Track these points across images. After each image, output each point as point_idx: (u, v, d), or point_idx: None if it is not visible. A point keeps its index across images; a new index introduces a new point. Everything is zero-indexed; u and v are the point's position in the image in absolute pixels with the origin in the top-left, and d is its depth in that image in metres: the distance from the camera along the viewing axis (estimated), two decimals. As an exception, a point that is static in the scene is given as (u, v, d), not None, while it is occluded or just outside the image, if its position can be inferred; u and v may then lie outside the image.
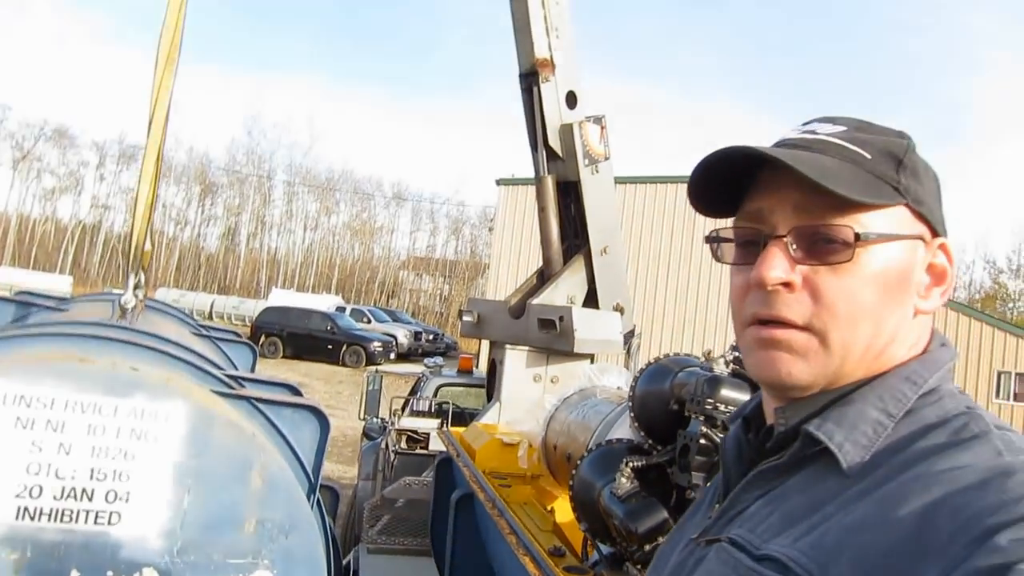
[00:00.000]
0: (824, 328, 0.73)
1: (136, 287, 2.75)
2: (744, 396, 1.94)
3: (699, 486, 1.88)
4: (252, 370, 3.91)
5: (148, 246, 2.83)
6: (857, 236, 0.73)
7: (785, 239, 0.75)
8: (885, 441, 0.71)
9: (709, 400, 1.91)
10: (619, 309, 5.64)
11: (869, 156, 0.76)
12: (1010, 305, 41.20)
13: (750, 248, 0.78)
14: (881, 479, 0.68)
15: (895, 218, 0.75)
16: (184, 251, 55.87)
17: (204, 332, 3.91)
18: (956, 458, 0.66)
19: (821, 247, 0.74)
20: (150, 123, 2.78)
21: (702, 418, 1.92)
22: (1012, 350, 20.77)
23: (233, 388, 2.28)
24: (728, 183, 0.80)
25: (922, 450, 0.68)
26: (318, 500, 2.39)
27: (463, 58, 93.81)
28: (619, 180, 5.72)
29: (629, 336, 5.78)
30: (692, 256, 21.27)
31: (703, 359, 2.35)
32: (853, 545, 0.64)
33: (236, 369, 3.39)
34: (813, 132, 0.79)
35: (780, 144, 0.80)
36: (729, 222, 0.84)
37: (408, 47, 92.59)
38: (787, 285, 0.74)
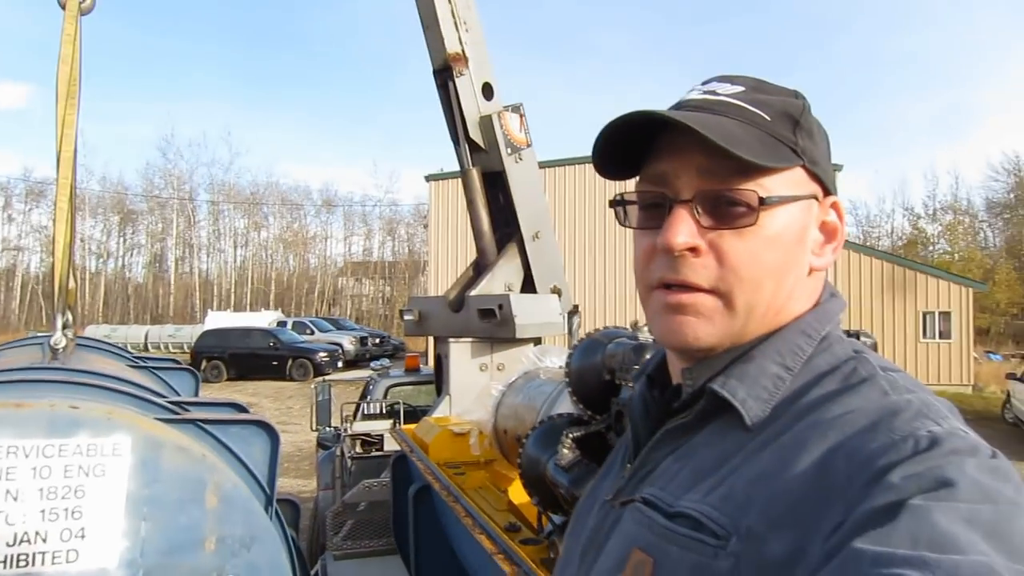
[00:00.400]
0: (730, 291, 0.75)
1: (64, 326, 2.73)
2: (668, 359, 2.07)
3: (635, 447, 2.00)
4: (195, 395, 3.89)
5: (72, 283, 2.81)
6: (761, 200, 0.74)
7: (691, 203, 0.75)
8: (784, 393, 0.74)
9: (635, 367, 2.03)
10: (557, 291, 5.75)
11: (768, 118, 0.77)
12: (930, 248, 43.09)
13: (655, 211, 0.78)
14: (781, 428, 0.70)
15: (793, 179, 0.77)
16: (110, 284, 53.90)
17: (141, 363, 3.87)
18: (847, 402, 0.69)
19: (726, 211, 0.74)
20: (58, 159, 2.74)
21: (631, 384, 2.03)
22: (934, 291, 21.81)
23: (177, 413, 2.31)
24: (632, 147, 0.79)
25: (817, 397, 0.71)
26: (276, 511, 2.44)
27: (380, 56, 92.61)
28: (545, 164, 5.84)
29: (571, 316, 5.91)
30: (625, 231, 21.63)
31: (630, 329, 2.48)
32: (760, 495, 0.66)
33: (179, 396, 3.38)
34: (714, 93, 0.79)
35: (681, 106, 0.80)
36: (633, 185, 0.83)
37: (321, 49, 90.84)
38: (693, 250, 0.74)
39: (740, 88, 0.79)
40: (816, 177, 0.79)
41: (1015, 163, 43.47)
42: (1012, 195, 43.25)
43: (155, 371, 3.77)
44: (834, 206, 0.82)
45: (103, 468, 2.00)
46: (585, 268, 21.45)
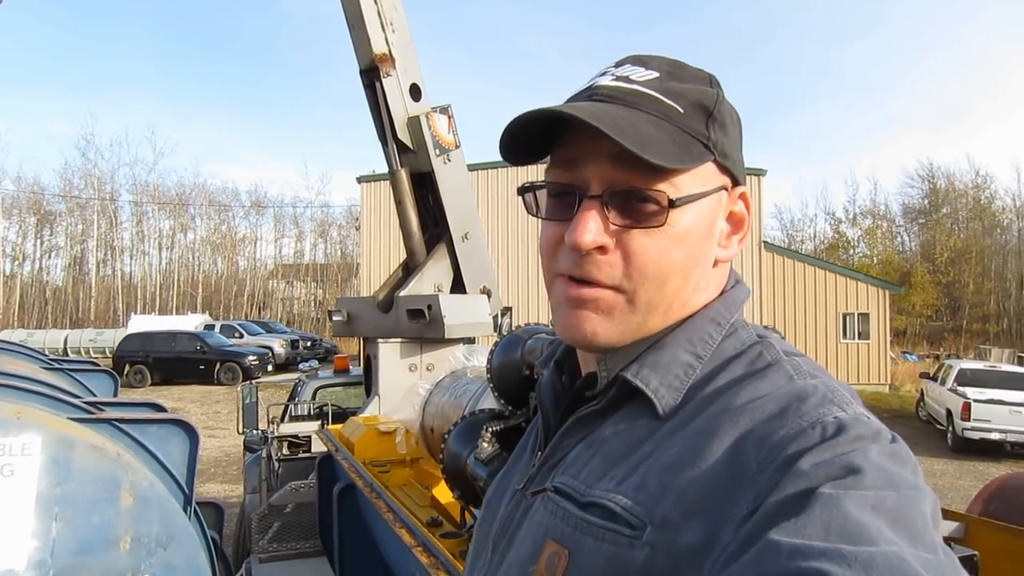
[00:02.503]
0: (633, 289, 0.74)
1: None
2: (583, 353, 2.16)
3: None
4: (114, 397, 3.80)
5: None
6: (672, 201, 0.73)
7: (600, 199, 0.73)
8: (694, 379, 0.74)
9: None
10: (486, 292, 5.80)
11: (682, 111, 0.75)
12: (850, 251, 44.78)
13: (564, 201, 0.76)
14: (690, 414, 0.71)
15: (703, 175, 0.76)
16: (25, 288, 51.27)
17: (57, 365, 3.75)
18: (755, 388, 0.69)
19: (636, 209, 0.73)
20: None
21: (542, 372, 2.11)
22: (854, 293, 22.77)
23: (92, 413, 2.27)
24: (542, 131, 0.77)
25: (725, 383, 0.72)
26: (196, 511, 2.42)
27: (310, 56, 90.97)
28: (475, 167, 5.88)
29: (503, 315, 5.97)
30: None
31: (550, 325, 2.56)
32: (673, 484, 0.66)
33: (95, 397, 3.30)
34: (627, 80, 0.76)
35: (593, 93, 0.77)
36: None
37: (249, 47, 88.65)
38: (601, 248, 0.73)
39: (654, 74, 0.77)
40: (726, 169, 0.78)
41: (928, 170, 45.76)
42: (926, 201, 45.46)
43: (71, 373, 3.66)
44: (742, 196, 0.81)
45: (12, 468, 1.95)
46: (517, 270, 21.62)
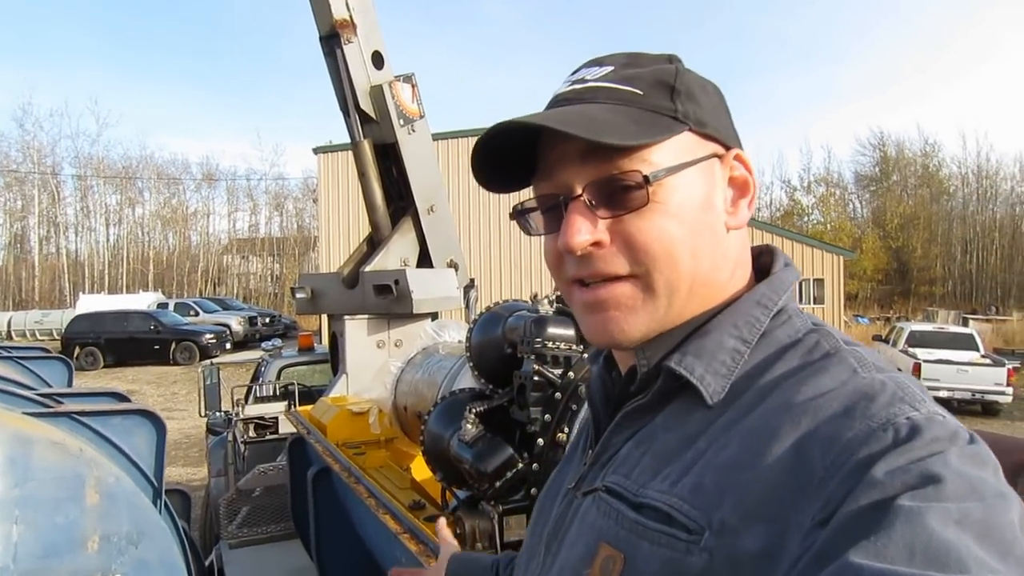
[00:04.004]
0: (647, 272, 0.73)
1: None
2: (568, 331, 2.10)
3: (537, 419, 2.02)
4: (69, 385, 3.63)
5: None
6: (646, 178, 0.71)
7: (582, 198, 0.73)
8: (743, 368, 0.71)
9: (538, 340, 2.04)
10: (453, 265, 5.72)
11: (641, 92, 0.74)
12: (805, 218, 45.67)
13: (554, 213, 0.77)
14: (745, 408, 0.68)
15: (682, 146, 0.74)
16: (-37, 268, 49.32)
17: (5, 353, 3.56)
18: (817, 383, 0.66)
19: (617, 196, 0.72)
20: None
21: (533, 357, 2.04)
22: (809, 259, 23.33)
23: (49, 407, 2.13)
24: (517, 156, 0.78)
25: (782, 374, 0.69)
26: (166, 504, 2.31)
27: (263, 24, 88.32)
28: (437, 136, 5.75)
29: (467, 290, 5.90)
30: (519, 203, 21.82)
31: (531, 302, 2.49)
32: (732, 486, 0.63)
33: (50, 387, 3.13)
34: (583, 80, 0.77)
35: (553, 102, 0.78)
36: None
37: (198, 15, 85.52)
38: (597, 244, 0.73)
39: (609, 69, 0.77)
40: (709, 136, 0.76)
41: (880, 139, 46.73)
42: (877, 169, 46.48)
43: (21, 361, 3.48)
44: (738, 158, 0.79)
45: (-36, 470, 1.83)
46: (480, 242, 21.49)
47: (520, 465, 2.03)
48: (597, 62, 0.79)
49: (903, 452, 0.58)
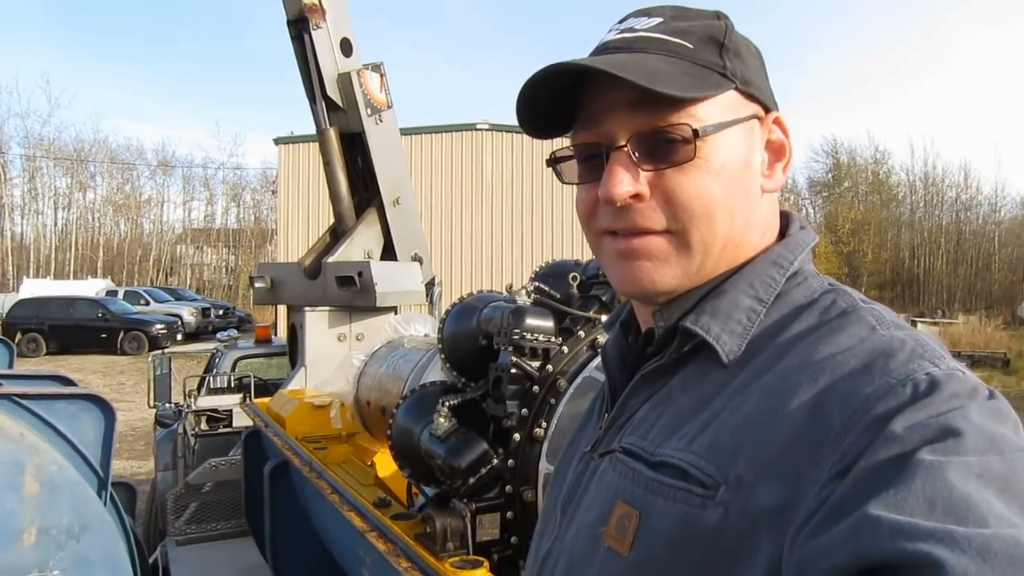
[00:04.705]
0: (684, 229, 0.72)
1: None
2: (547, 323, 2.02)
3: (514, 413, 1.94)
4: (10, 367, 3.43)
5: None
6: (696, 132, 0.70)
7: (626, 148, 0.72)
8: (759, 327, 0.71)
9: (516, 331, 1.96)
10: (418, 259, 5.63)
11: (691, 46, 0.73)
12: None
13: (593, 162, 0.75)
14: (762, 367, 0.67)
15: (727, 104, 0.74)
16: (-101, 247, 47.11)
17: (-61, 333, 3.34)
18: (835, 341, 0.65)
19: (663, 149, 0.71)
20: None
21: (511, 348, 1.96)
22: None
23: (-13, 388, 1.97)
24: (557, 101, 0.76)
25: (798, 333, 0.69)
26: (112, 495, 2.17)
27: (227, 6, 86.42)
28: (403, 131, 5.64)
29: (430, 285, 5.81)
30: (483, 200, 21.75)
31: (506, 293, 2.41)
32: (748, 443, 0.63)
33: (-12, 369, 2.94)
34: (632, 29, 0.76)
35: (601, 49, 0.77)
36: (566, 141, 0.81)
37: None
38: (637, 196, 0.72)
39: (658, 20, 0.75)
40: (752, 97, 0.76)
41: (832, 146, 47.83)
42: (830, 175, 47.58)
43: (-44, 343, 3.27)
44: (777, 122, 0.78)
45: None
46: (442, 239, 21.30)
47: (495, 461, 1.95)
48: (645, 12, 0.78)
49: (923, 407, 0.57)
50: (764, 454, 0.62)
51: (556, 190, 22.07)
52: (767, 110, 0.78)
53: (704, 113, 0.71)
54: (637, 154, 0.72)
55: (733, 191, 0.73)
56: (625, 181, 0.71)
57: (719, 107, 0.73)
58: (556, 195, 22.03)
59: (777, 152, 0.78)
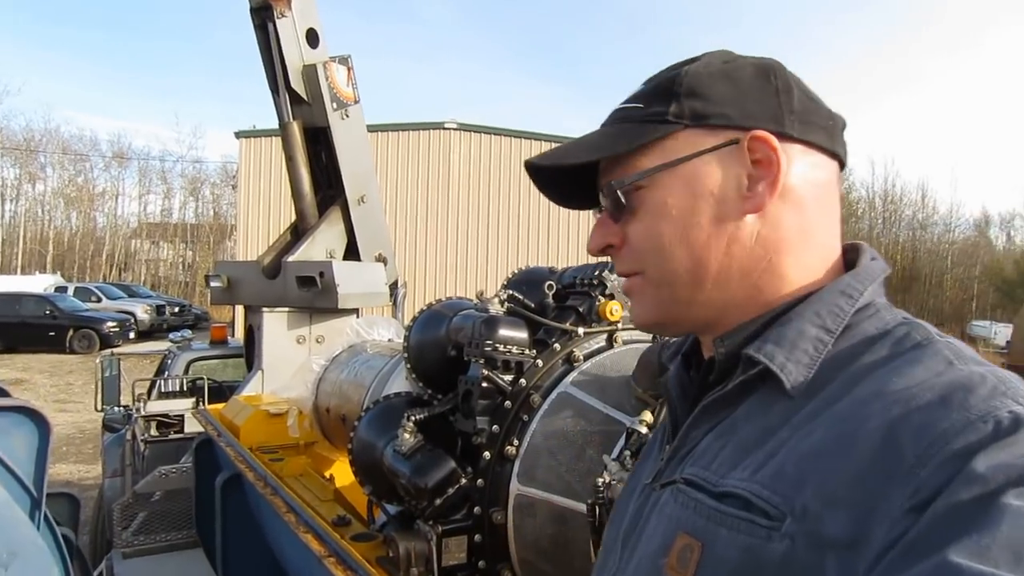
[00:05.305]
0: (642, 268, 0.79)
1: None
2: (521, 334, 1.91)
3: (484, 430, 1.83)
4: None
5: None
6: (625, 183, 0.77)
7: (604, 208, 0.82)
8: (828, 357, 0.70)
9: (488, 342, 1.85)
10: (382, 259, 5.50)
11: (643, 104, 0.79)
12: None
13: None
14: (831, 397, 0.66)
15: (676, 145, 0.76)
16: None
17: None
18: (910, 374, 0.63)
19: (614, 203, 0.79)
20: None
21: (482, 361, 1.85)
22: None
23: (-96, 398, 1.79)
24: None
25: (870, 363, 0.67)
26: (47, 515, 2.00)
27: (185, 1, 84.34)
28: (369, 128, 5.50)
29: (394, 286, 5.68)
30: (450, 201, 21.59)
31: (477, 301, 2.30)
32: (815, 472, 0.61)
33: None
34: (616, 107, 0.83)
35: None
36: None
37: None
38: (611, 246, 0.81)
39: (639, 89, 0.82)
40: (718, 126, 0.76)
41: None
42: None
43: None
44: (754, 139, 0.75)
45: None
46: (406, 240, 21.08)
47: (463, 481, 1.83)
48: (646, 80, 0.84)
49: (1006, 446, 0.55)
50: (831, 484, 0.60)
51: (525, 193, 21.99)
52: (748, 129, 0.76)
53: (643, 162, 0.77)
54: (608, 212, 0.81)
55: (684, 224, 0.76)
56: (596, 236, 0.82)
57: (664, 151, 0.76)
58: (525, 198, 21.96)
59: (766, 167, 0.75)
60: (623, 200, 0.78)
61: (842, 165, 0.80)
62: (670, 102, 0.77)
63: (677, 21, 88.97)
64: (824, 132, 0.78)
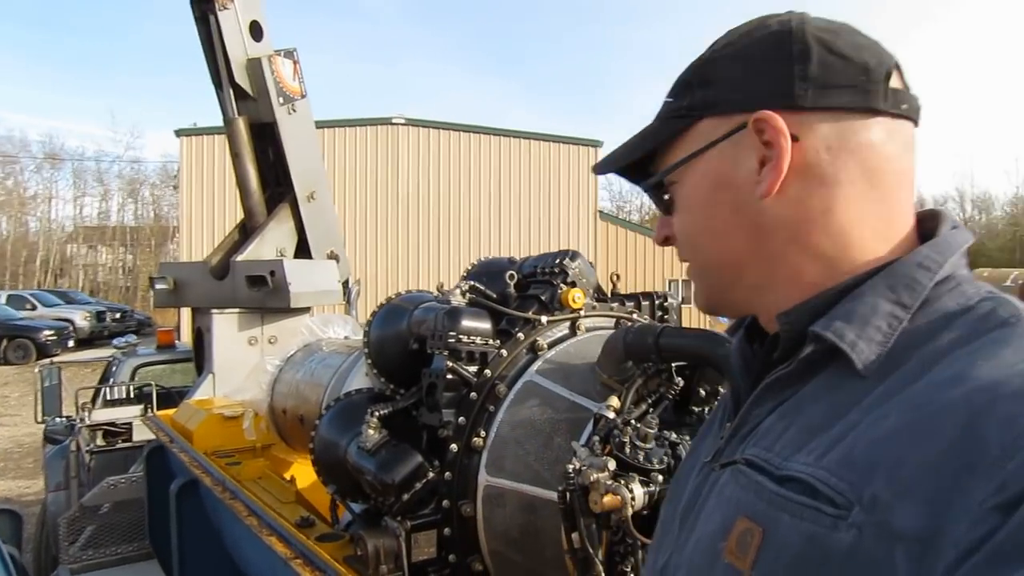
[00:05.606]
0: (687, 258, 0.82)
1: None
2: (485, 325, 1.89)
3: (450, 422, 1.80)
4: None
5: None
6: (659, 182, 0.80)
7: None
8: (903, 335, 0.65)
9: (451, 333, 1.83)
10: (334, 257, 5.41)
11: (673, 98, 0.79)
12: (672, 223, 48.36)
13: None
14: (905, 378, 0.61)
15: (696, 137, 0.76)
16: None
17: None
18: (995, 354, 0.58)
19: (654, 199, 0.82)
20: None
21: (446, 353, 1.83)
22: (678, 264, 24.50)
23: None
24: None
25: (950, 343, 0.62)
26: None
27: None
28: (315, 124, 5.39)
29: (346, 284, 5.60)
30: (399, 196, 21.40)
31: (437, 293, 2.26)
32: (887, 459, 0.57)
33: None
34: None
35: None
36: None
37: (42, -20, 77.50)
38: (668, 239, 0.83)
39: (670, 87, 0.81)
40: (728, 112, 0.73)
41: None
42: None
43: None
44: (759, 120, 0.71)
45: None
46: (355, 237, 20.80)
47: (430, 474, 1.81)
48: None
49: None
50: (904, 473, 0.55)
51: (474, 187, 21.96)
52: (757, 109, 0.71)
53: (670, 159, 0.79)
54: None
55: (703, 215, 0.77)
56: (656, 228, 0.85)
57: (686, 145, 0.77)
58: (474, 192, 21.93)
59: (774, 150, 0.71)
60: (660, 196, 0.81)
61: (898, 116, 0.71)
62: (687, 94, 0.77)
63: (622, 18, 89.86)
64: (853, 91, 0.70)
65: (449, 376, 1.82)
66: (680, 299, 2.32)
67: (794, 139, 0.70)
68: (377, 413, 1.94)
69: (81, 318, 24.68)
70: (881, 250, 0.71)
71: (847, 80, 0.70)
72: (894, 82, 0.71)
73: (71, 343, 22.11)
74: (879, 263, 0.70)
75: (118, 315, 27.54)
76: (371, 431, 1.91)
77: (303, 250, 5.21)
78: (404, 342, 2.09)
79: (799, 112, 0.70)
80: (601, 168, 0.86)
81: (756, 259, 0.75)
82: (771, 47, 0.73)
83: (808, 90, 0.70)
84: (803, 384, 0.70)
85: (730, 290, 0.79)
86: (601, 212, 24.76)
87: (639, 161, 0.82)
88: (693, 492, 0.78)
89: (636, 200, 51.98)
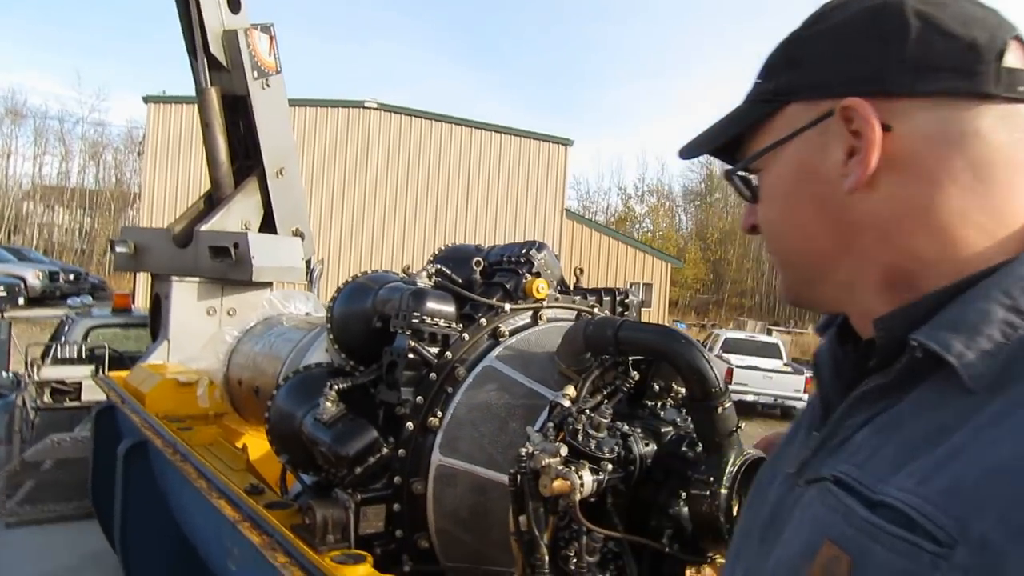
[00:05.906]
0: (772, 248, 0.78)
1: None
2: (449, 308, 1.93)
3: (408, 401, 1.84)
4: None
5: None
6: (743, 169, 0.76)
7: None
8: (1018, 346, 0.58)
9: (415, 314, 1.86)
10: (299, 234, 5.37)
11: (762, 80, 0.75)
12: (637, 226, 48.39)
13: None
14: (1022, 397, 0.55)
15: (782, 123, 0.71)
16: None
17: None
18: None
19: (737, 188, 0.78)
20: None
21: (409, 332, 1.86)
22: (641, 264, 24.92)
23: None
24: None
25: None
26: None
27: (91, -54, 78.93)
28: (292, 102, 5.34)
29: (309, 263, 5.57)
30: (367, 180, 21.24)
31: (403, 274, 2.29)
32: (1001, 495, 0.50)
33: None
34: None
35: None
36: None
37: (12, -74, 74.74)
38: (754, 227, 0.79)
39: (760, 66, 0.77)
40: (816, 97, 0.68)
41: (707, 157, 50.43)
42: (703, 185, 50.14)
43: None
44: (846, 108, 0.65)
45: None
46: (321, 217, 20.59)
47: (385, 450, 1.84)
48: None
49: None
50: (1021, 512, 0.49)
51: (443, 174, 21.89)
52: (845, 96, 0.66)
53: (755, 145, 0.74)
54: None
55: (788, 208, 0.73)
56: (743, 216, 0.81)
57: (772, 132, 0.72)
58: (443, 182, 21.86)
59: (863, 140, 0.65)
60: (746, 183, 0.76)
61: (1014, 100, 0.63)
62: (774, 75, 0.72)
63: (594, 15, 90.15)
64: (957, 74, 0.63)
65: (410, 355, 1.85)
66: (640, 300, 2.38)
67: (886, 128, 0.64)
68: (336, 387, 1.96)
69: (33, 276, 23.95)
70: (990, 250, 0.63)
71: (950, 61, 0.63)
72: (1011, 60, 0.63)
73: (22, 300, 21.48)
74: (988, 264, 0.62)
75: (72, 277, 26.79)
76: (329, 404, 1.93)
77: (268, 225, 5.16)
78: (368, 320, 2.11)
79: (893, 98, 0.64)
80: (686, 153, 0.80)
81: (844, 257, 0.69)
82: (864, 24, 0.67)
83: (904, 74, 0.64)
84: (901, 396, 0.63)
85: (817, 286, 0.74)
86: (568, 211, 24.91)
87: (726, 145, 0.78)
88: (776, 504, 0.72)
89: (603, 201, 52.32)
